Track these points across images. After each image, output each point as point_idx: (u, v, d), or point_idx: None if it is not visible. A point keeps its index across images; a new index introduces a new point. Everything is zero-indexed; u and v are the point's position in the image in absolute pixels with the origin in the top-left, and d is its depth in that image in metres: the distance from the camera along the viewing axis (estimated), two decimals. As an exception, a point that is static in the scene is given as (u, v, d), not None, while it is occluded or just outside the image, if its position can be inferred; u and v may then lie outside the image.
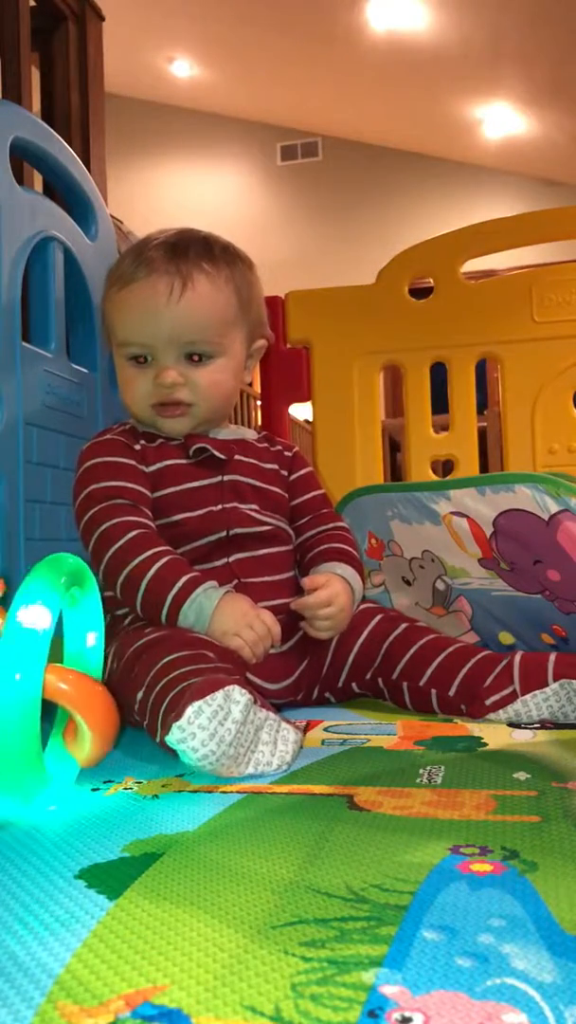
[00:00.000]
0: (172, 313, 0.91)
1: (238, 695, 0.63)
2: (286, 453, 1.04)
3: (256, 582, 0.92)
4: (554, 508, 0.90)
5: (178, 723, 0.61)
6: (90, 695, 0.62)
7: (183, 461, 0.95)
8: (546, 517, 0.91)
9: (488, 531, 0.97)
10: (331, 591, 0.90)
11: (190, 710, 0.61)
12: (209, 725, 0.61)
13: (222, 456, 0.94)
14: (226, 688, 0.63)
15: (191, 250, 0.93)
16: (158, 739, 0.68)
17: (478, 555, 1.00)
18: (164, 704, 0.67)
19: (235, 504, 0.94)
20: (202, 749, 0.61)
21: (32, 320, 1.15)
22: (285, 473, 1.03)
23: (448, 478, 1.04)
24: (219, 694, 0.62)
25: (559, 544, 0.90)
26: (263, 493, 0.97)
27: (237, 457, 0.97)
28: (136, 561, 0.83)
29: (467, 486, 0.98)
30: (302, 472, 1.04)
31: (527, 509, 0.92)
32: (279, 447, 1.05)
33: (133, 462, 0.92)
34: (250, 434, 1.03)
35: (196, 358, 0.93)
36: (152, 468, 0.93)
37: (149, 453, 0.94)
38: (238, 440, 0.99)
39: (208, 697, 0.62)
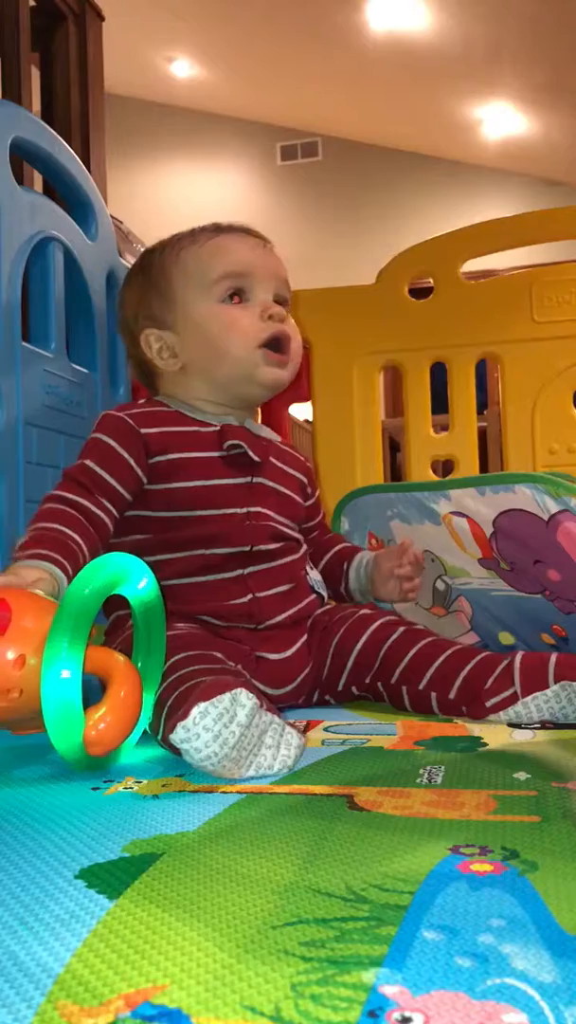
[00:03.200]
0: (268, 253, 0.97)
1: (245, 699, 0.62)
2: (308, 464, 1.06)
3: (269, 595, 0.91)
4: (554, 508, 0.90)
5: (183, 723, 0.61)
6: (132, 680, 0.66)
7: (213, 454, 0.92)
8: (546, 517, 0.91)
9: (488, 531, 0.97)
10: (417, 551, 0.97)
11: (196, 711, 0.61)
12: (214, 727, 0.61)
13: (257, 459, 0.92)
14: (233, 691, 0.62)
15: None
16: (160, 737, 0.68)
17: (478, 555, 0.99)
18: (169, 702, 0.67)
19: (260, 508, 0.92)
20: (205, 750, 0.61)
21: (32, 320, 1.15)
22: (305, 481, 1.03)
23: (448, 478, 1.04)
24: (226, 696, 0.62)
25: (559, 544, 0.90)
26: (285, 500, 0.97)
27: (271, 458, 0.96)
28: (28, 527, 0.80)
29: (467, 486, 0.98)
30: (318, 494, 1.07)
31: (527, 509, 0.92)
32: (299, 455, 1.05)
33: (124, 452, 0.88)
34: (274, 435, 1.01)
35: (280, 305, 0.96)
36: (173, 456, 0.90)
37: (172, 440, 0.91)
38: (268, 440, 0.98)
39: (215, 699, 0.62)
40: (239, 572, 0.90)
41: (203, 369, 0.95)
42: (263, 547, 0.92)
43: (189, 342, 0.95)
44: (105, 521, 0.85)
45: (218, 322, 0.93)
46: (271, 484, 0.95)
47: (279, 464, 0.98)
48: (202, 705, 0.61)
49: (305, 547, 1.00)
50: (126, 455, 0.88)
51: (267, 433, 0.99)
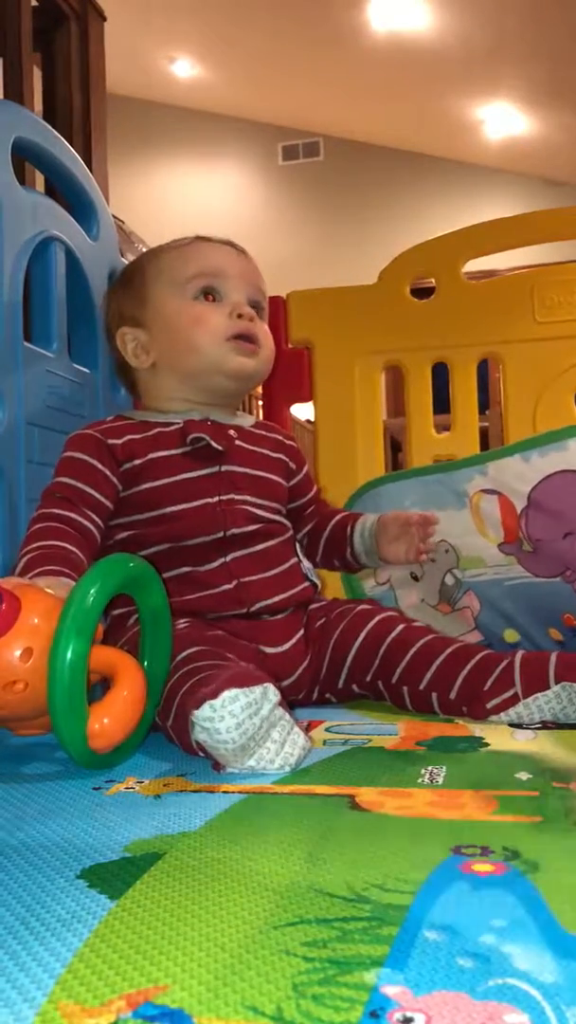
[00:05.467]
0: (242, 261, 0.99)
1: (272, 695, 0.64)
2: (288, 443, 1.06)
3: (255, 580, 0.92)
4: None
5: (212, 702, 0.61)
6: (138, 676, 0.68)
7: (177, 451, 0.94)
8: None
9: (520, 506, 0.96)
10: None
11: (227, 694, 0.61)
12: (240, 715, 0.61)
13: (219, 447, 0.94)
14: (265, 685, 0.63)
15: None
16: (171, 723, 0.69)
17: (499, 539, 0.99)
18: (185, 687, 0.67)
19: (232, 496, 0.94)
20: (225, 735, 0.61)
21: (33, 320, 1.15)
22: (285, 459, 1.04)
23: (490, 451, 1.03)
24: (258, 689, 0.63)
25: None
26: (261, 483, 0.97)
27: (237, 443, 0.97)
28: (24, 549, 0.82)
29: (510, 453, 0.98)
30: (306, 469, 1.08)
31: (574, 469, 0.91)
32: (278, 435, 1.05)
33: (95, 462, 0.91)
34: (247, 420, 1.04)
35: (255, 310, 0.98)
36: (141, 460, 0.92)
37: (137, 445, 0.93)
38: (236, 426, 0.99)
39: (248, 688, 0.62)
40: (221, 561, 0.91)
41: (172, 363, 0.98)
42: (239, 530, 0.93)
43: (159, 337, 0.98)
44: (93, 531, 0.88)
45: (188, 316, 0.96)
46: (241, 469, 0.96)
47: (250, 447, 0.99)
48: (234, 691, 0.62)
49: (291, 532, 1.01)
50: (99, 465, 0.91)
51: (237, 420, 1.01)
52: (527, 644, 1.01)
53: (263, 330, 0.98)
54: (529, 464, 0.95)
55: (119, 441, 0.93)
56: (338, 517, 1.08)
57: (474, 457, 1.05)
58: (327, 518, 1.08)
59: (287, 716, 0.67)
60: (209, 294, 0.96)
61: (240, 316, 0.96)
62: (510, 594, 1.01)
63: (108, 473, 0.91)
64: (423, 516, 1.00)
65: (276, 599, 0.92)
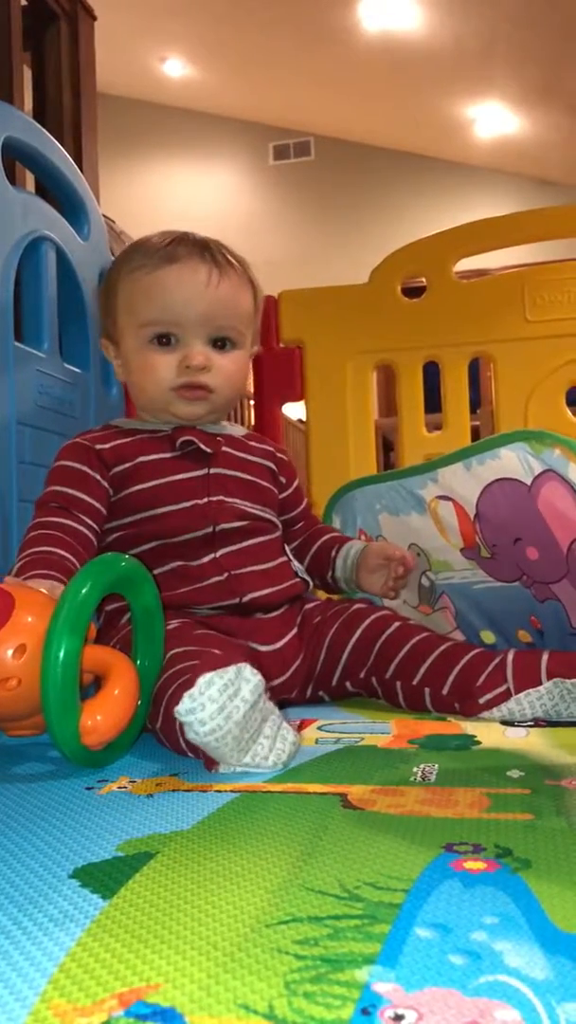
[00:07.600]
0: (210, 295, 0.94)
1: (250, 674, 0.63)
2: (278, 455, 1.06)
3: (246, 572, 0.92)
4: (538, 469, 0.89)
5: (189, 692, 0.61)
6: (130, 674, 0.68)
7: (167, 455, 0.95)
8: (529, 481, 0.90)
9: (472, 513, 0.96)
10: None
11: (202, 680, 0.61)
12: (219, 698, 0.61)
13: (208, 450, 0.95)
14: (238, 665, 0.63)
15: (219, 248, 0.97)
16: (159, 725, 0.69)
17: (460, 545, 0.99)
18: (171, 688, 0.67)
19: (221, 497, 0.94)
20: (210, 723, 0.61)
21: (24, 320, 1.15)
22: (274, 468, 1.04)
23: (435, 458, 1.03)
24: (231, 669, 0.62)
25: (539, 513, 0.89)
26: (250, 486, 0.98)
27: (224, 449, 0.98)
28: (19, 556, 0.84)
29: (454, 461, 0.98)
30: (296, 483, 1.08)
31: (512, 476, 0.92)
32: (269, 446, 1.06)
33: (87, 468, 0.92)
34: (238, 430, 1.04)
35: (220, 344, 0.96)
36: (129, 464, 0.93)
37: (125, 450, 0.94)
38: (225, 434, 1.00)
39: (220, 670, 0.62)
40: (211, 556, 0.92)
41: (132, 392, 1.01)
42: (227, 525, 0.93)
43: (124, 366, 1.00)
44: (88, 536, 0.89)
45: (138, 362, 0.96)
46: (230, 472, 0.97)
47: (237, 453, 1.00)
48: (208, 675, 0.61)
49: (280, 531, 1.01)
50: (89, 471, 0.92)
51: (228, 430, 1.02)
52: (502, 645, 1.01)
53: (220, 372, 0.95)
54: (471, 472, 0.96)
55: (107, 446, 0.94)
56: (325, 538, 1.08)
57: (425, 464, 1.05)
58: (314, 537, 1.08)
59: (277, 711, 0.67)
60: (164, 337, 0.95)
61: (188, 368, 0.93)
62: (478, 597, 1.02)
63: (99, 478, 0.92)
64: (403, 555, 1.00)
65: (268, 591, 0.92)
